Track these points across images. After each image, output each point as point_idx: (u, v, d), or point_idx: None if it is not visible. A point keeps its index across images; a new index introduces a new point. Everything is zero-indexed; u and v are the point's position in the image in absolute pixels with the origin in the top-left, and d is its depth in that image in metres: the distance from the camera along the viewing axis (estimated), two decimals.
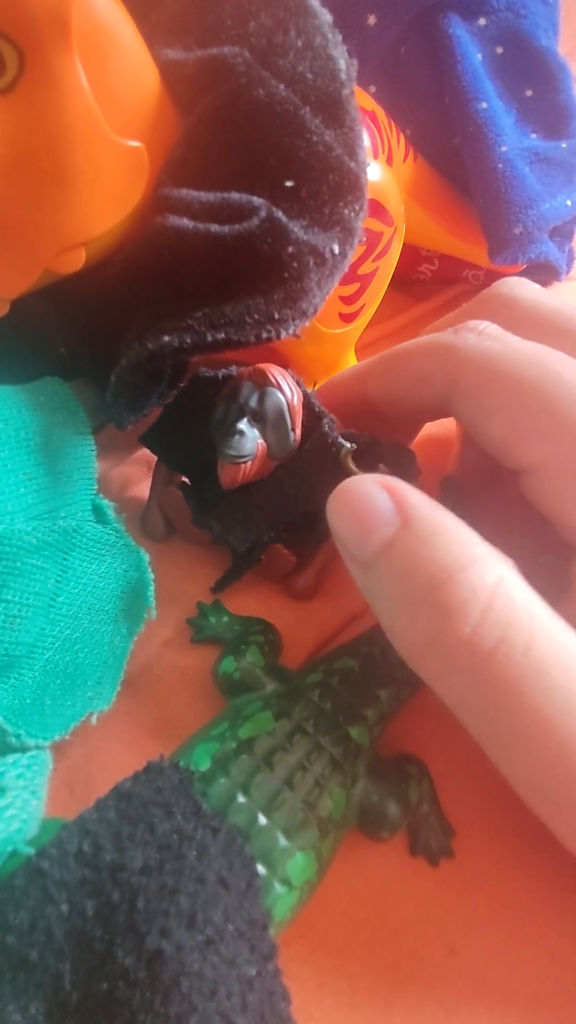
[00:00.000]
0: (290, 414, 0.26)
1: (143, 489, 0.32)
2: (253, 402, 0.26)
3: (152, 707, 0.25)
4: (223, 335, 0.22)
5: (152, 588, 0.25)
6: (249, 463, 0.26)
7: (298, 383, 0.27)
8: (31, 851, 0.17)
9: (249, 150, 0.23)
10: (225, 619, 0.27)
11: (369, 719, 0.23)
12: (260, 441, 0.26)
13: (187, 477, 0.29)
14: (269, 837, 0.20)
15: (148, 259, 0.22)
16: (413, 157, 0.37)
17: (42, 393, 0.23)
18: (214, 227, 0.21)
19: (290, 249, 0.22)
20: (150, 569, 0.26)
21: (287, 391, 0.26)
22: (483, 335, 0.24)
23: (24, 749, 0.19)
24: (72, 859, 0.18)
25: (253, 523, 0.27)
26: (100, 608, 0.25)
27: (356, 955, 0.22)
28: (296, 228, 0.22)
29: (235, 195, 0.22)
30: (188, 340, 0.22)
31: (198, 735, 0.22)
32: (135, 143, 0.21)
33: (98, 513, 0.26)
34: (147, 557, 0.26)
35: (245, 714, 0.22)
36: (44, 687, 0.23)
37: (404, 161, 0.36)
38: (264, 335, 0.22)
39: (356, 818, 0.22)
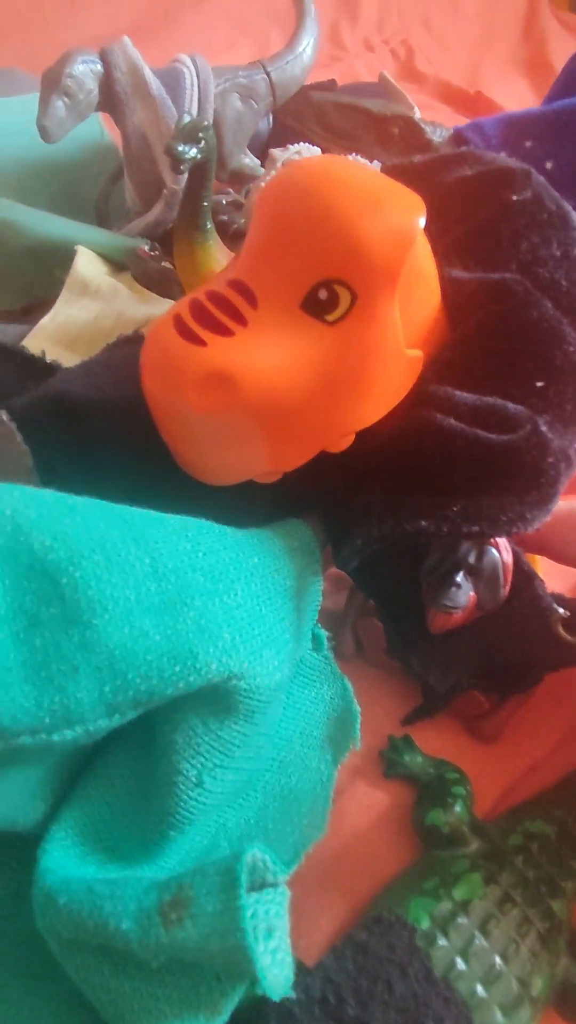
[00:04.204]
0: (503, 572, 0.27)
1: (330, 603, 0.34)
2: (471, 558, 0.27)
3: (348, 837, 0.26)
4: (476, 528, 0.23)
5: (359, 720, 0.27)
6: (459, 612, 0.27)
7: (511, 543, 0.28)
8: (294, 996, 0.18)
9: (511, 357, 0.25)
10: (419, 759, 0.28)
11: (567, 892, 0.24)
12: (472, 594, 0.27)
13: (385, 609, 0.30)
14: (489, 1012, 0.20)
15: (406, 444, 0.24)
16: None
17: (295, 539, 0.25)
18: (482, 433, 0.23)
19: (550, 459, 0.23)
20: (355, 700, 0.27)
21: (503, 551, 0.27)
22: None
23: (274, 885, 0.20)
24: (317, 1006, 0.19)
25: (452, 666, 0.29)
26: (309, 733, 0.26)
27: None
28: (553, 436, 0.23)
29: (499, 402, 0.24)
30: (444, 529, 0.23)
31: (408, 885, 0.23)
32: (416, 352, 0.24)
33: (315, 642, 0.27)
34: (351, 687, 0.28)
35: (454, 872, 0.23)
36: (265, 809, 0.24)
37: None
38: (512, 531, 0.24)
39: (556, 998, 0.22)
